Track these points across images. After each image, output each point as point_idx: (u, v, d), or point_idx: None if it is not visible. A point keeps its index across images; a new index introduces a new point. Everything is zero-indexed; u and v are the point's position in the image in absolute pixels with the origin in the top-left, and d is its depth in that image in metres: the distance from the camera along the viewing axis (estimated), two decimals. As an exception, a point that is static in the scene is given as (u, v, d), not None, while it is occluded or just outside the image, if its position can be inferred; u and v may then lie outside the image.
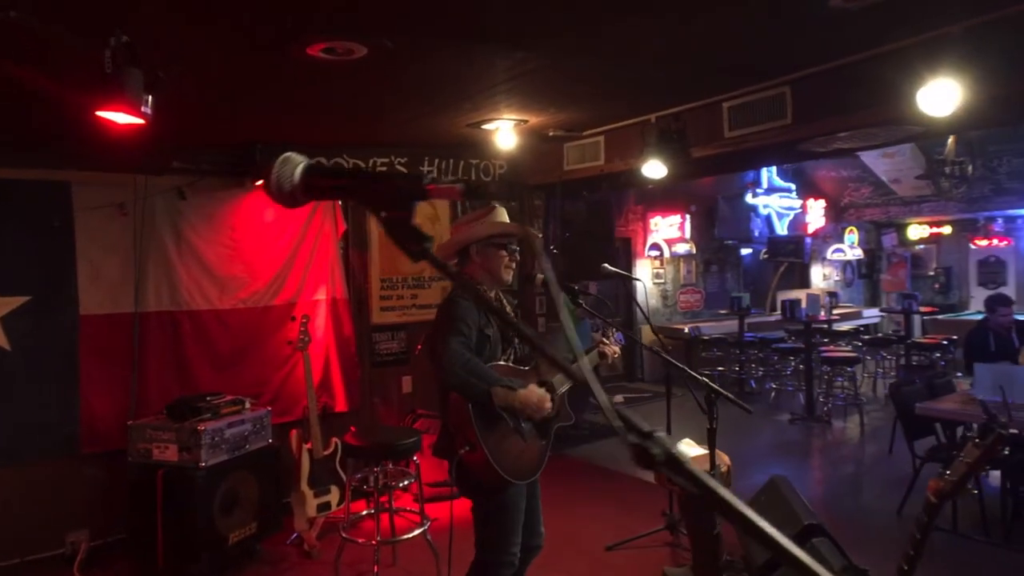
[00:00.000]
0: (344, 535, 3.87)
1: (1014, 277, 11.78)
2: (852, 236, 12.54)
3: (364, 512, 4.54)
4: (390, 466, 4.15)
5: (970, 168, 8.58)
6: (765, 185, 11.06)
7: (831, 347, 8.30)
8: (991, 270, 12.05)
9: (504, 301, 2.86)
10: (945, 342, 8.12)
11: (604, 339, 3.02)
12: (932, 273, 12.86)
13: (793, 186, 11.51)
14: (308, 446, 4.36)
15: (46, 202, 4.17)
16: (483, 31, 2.83)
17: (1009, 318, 5.51)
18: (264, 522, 4.15)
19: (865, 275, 13.23)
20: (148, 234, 4.48)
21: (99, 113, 2.32)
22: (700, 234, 10.43)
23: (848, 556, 3.07)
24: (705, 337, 9.30)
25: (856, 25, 3.02)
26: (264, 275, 4.91)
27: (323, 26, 2.59)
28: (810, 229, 11.69)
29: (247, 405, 4.22)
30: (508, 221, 2.83)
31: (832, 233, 12.35)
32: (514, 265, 2.81)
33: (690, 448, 3.66)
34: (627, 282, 8.34)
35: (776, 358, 8.84)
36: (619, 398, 8.33)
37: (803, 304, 7.82)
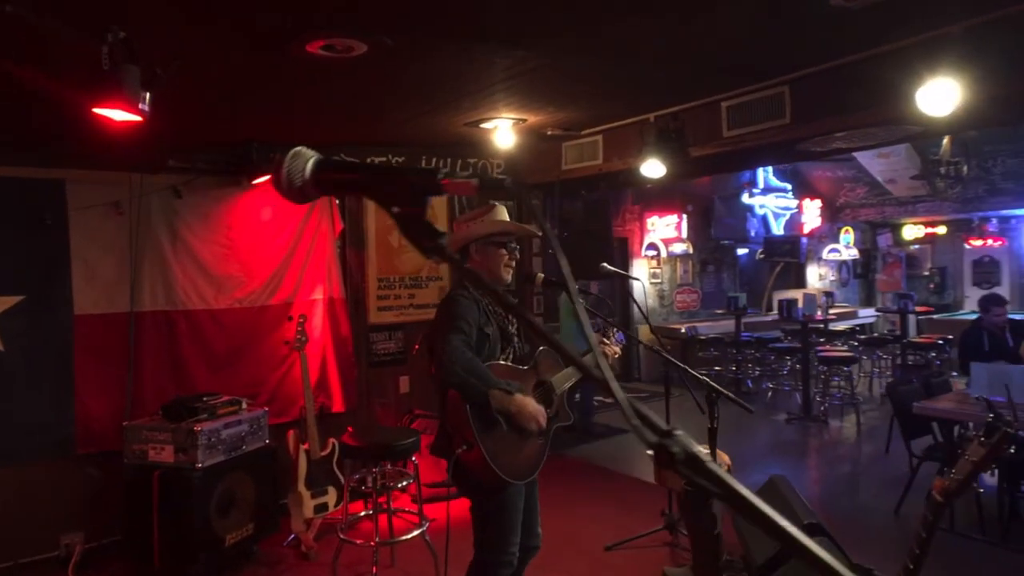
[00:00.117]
0: (342, 536, 3.84)
1: (1008, 277, 11.84)
2: (848, 236, 12.58)
3: (362, 513, 4.52)
4: (388, 467, 4.13)
5: (965, 168, 8.62)
6: (761, 185, 11.08)
7: (827, 347, 8.32)
8: (985, 270, 12.11)
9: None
10: (940, 341, 8.15)
11: (605, 339, 3.01)
12: (927, 273, 12.91)
13: (789, 186, 11.53)
14: (305, 447, 4.34)
15: (40, 200, 4.13)
16: (483, 29, 2.81)
17: (1003, 318, 5.52)
18: (261, 523, 4.13)
19: (860, 275, 13.27)
20: (144, 233, 4.45)
21: (96, 110, 2.29)
22: (697, 234, 10.44)
23: (848, 556, 3.07)
24: (702, 337, 9.32)
25: (856, 25, 3.01)
26: (260, 274, 4.88)
27: (323, 23, 2.57)
28: (806, 229, 11.72)
29: (244, 405, 4.19)
30: (508, 220, 2.82)
31: (828, 233, 12.39)
32: (514, 264, 2.80)
33: (690, 448, 3.65)
34: (624, 282, 8.34)
35: (773, 358, 8.86)
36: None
37: (800, 304, 7.83)
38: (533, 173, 5.89)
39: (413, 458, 3.97)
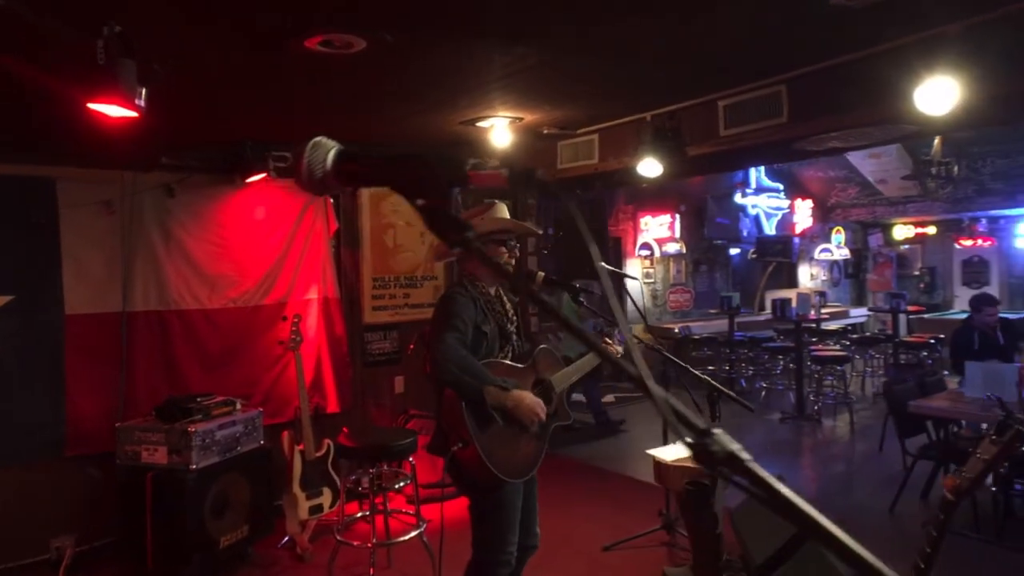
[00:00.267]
0: (339, 538, 3.81)
1: (997, 277, 11.94)
2: (839, 236, 12.65)
3: (359, 514, 4.48)
4: (384, 467, 4.09)
5: (956, 169, 8.67)
6: (754, 185, 11.12)
7: (820, 346, 8.35)
8: (975, 270, 12.21)
9: (505, 298, 2.83)
10: (932, 341, 8.20)
11: (607, 339, 3.00)
12: (917, 273, 13.01)
13: (781, 186, 11.58)
14: (300, 447, 4.30)
15: (30, 199, 4.07)
16: (483, 26, 2.79)
17: (995, 317, 5.56)
18: (256, 525, 4.08)
19: (851, 275, 13.35)
20: (135, 232, 4.39)
21: (91, 105, 2.25)
22: (690, 234, 10.46)
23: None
24: (695, 337, 9.33)
25: (854, 24, 3.02)
26: (254, 274, 4.84)
27: (323, 20, 2.54)
28: (798, 229, 11.77)
29: (238, 406, 4.14)
30: (508, 217, 2.80)
31: (819, 233, 12.46)
32: (513, 262, 2.78)
33: (690, 447, 3.64)
34: (620, 281, 8.34)
35: (766, 357, 8.88)
36: (610, 398, 8.32)
37: (794, 303, 7.86)
38: (528, 172, 5.87)
39: (410, 458, 3.94)
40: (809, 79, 3.79)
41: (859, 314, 12.19)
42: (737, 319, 9.02)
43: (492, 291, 2.76)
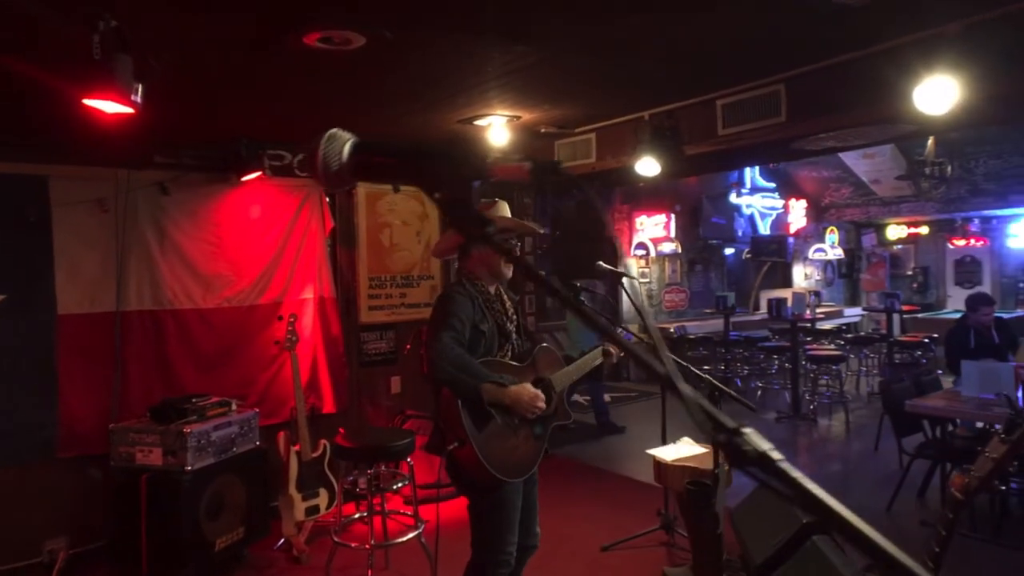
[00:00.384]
0: (336, 539, 3.78)
1: (989, 276, 12.02)
2: (833, 236, 12.70)
3: (356, 515, 4.45)
4: (382, 468, 4.07)
5: (949, 169, 8.72)
6: (749, 185, 11.15)
7: (815, 345, 8.37)
8: (967, 270, 12.29)
9: (505, 297, 2.81)
10: (926, 340, 8.24)
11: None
12: (910, 273, 13.07)
13: (775, 186, 11.61)
14: (296, 448, 4.26)
15: (22, 196, 4.01)
16: (484, 23, 2.77)
17: (991, 317, 5.59)
18: (251, 527, 4.05)
19: (845, 275, 13.41)
20: (129, 231, 4.34)
21: (87, 101, 2.21)
22: (685, 233, 10.47)
23: (847, 554, 3.06)
24: (691, 336, 9.33)
25: (854, 23, 3.01)
26: (250, 273, 4.80)
27: (323, 16, 2.51)
28: (792, 229, 11.81)
29: (234, 407, 4.10)
30: (509, 216, 2.78)
31: (813, 233, 12.50)
32: (514, 261, 2.76)
33: (691, 447, 3.64)
34: (615, 281, 8.34)
35: (762, 357, 8.90)
36: (606, 398, 8.30)
37: (789, 303, 7.87)
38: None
39: (408, 459, 3.91)
40: (808, 78, 3.78)
41: (853, 314, 12.24)
42: (732, 319, 9.03)
43: (492, 290, 2.75)
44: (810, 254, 12.48)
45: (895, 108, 3.40)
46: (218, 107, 3.94)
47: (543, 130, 4.95)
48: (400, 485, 4.20)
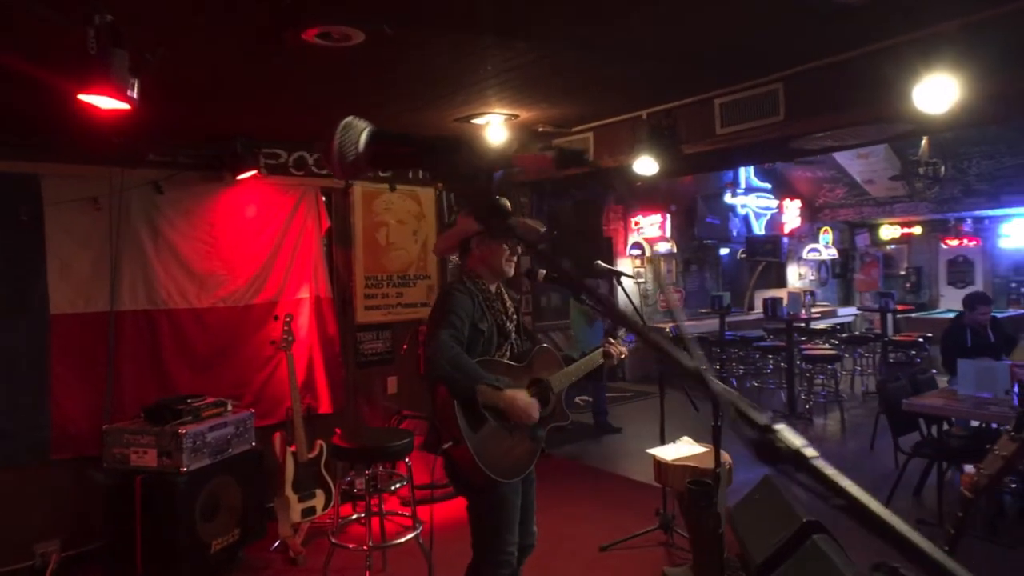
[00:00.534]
0: (333, 541, 3.74)
1: (981, 276, 12.09)
2: (827, 236, 12.74)
3: (354, 516, 4.42)
4: (380, 469, 4.04)
5: (943, 169, 8.75)
6: (744, 185, 11.17)
7: (810, 345, 8.38)
8: (960, 270, 12.35)
9: (505, 295, 2.79)
10: (920, 339, 8.27)
11: (611, 339, 2.97)
12: (903, 272, 13.13)
13: (770, 186, 11.64)
14: (292, 449, 4.23)
15: (13, 195, 3.96)
16: (484, 20, 2.75)
17: (988, 316, 5.61)
18: (247, 528, 4.01)
19: (839, 275, 13.45)
20: (123, 230, 4.29)
21: (82, 97, 2.17)
22: (680, 233, 10.48)
23: (847, 553, 3.06)
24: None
25: (854, 21, 3.01)
26: (245, 273, 4.75)
27: (322, 11, 2.48)
28: (786, 229, 11.84)
29: (229, 407, 4.07)
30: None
31: (807, 233, 12.53)
32: (515, 259, 2.74)
33: (691, 446, 3.63)
34: (611, 281, 8.34)
35: (757, 356, 8.91)
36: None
37: (785, 303, 7.88)
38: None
39: (406, 459, 3.88)
40: (807, 77, 3.77)
41: (847, 313, 12.29)
42: (727, 318, 9.05)
43: (492, 288, 2.73)
44: (804, 254, 12.52)
45: (894, 107, 3.40)
46: (214, 105, 3.91)
47: (540, 129, 4.93)
48: (398, 486, 4.17)
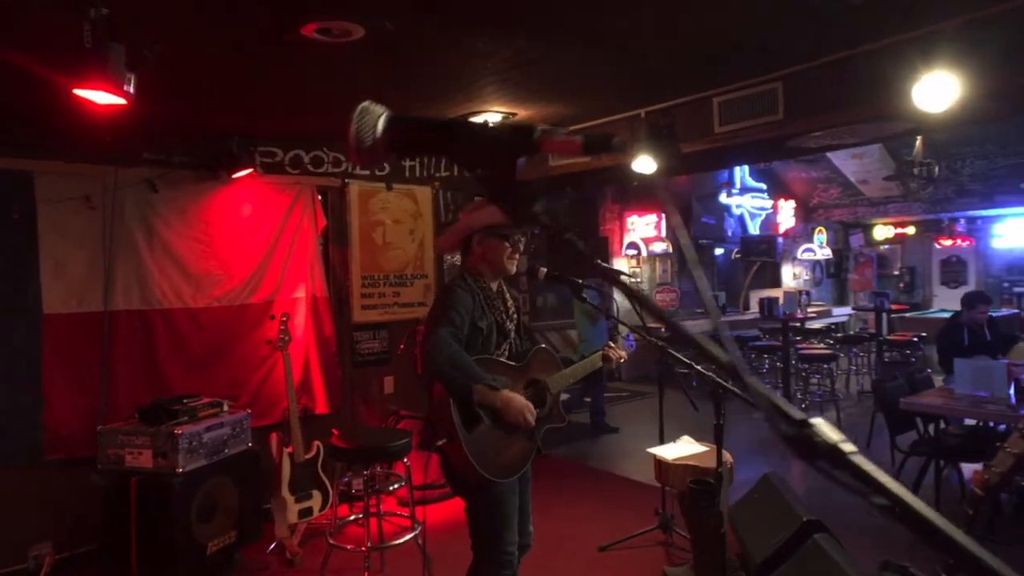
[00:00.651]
0: (331, 542, 3.71)
1: (974, 276, 12.15)
2: (821, 236, 12.78)
3: (351, 517, 4.38)
4: (378, 469, 4.01)
5: (937, 169, 8.79)
6: (738, 185, 11.18)
7: (806, 344, 8.40)
8: (953, 269, 12.42)
9: (507, 294, 2.76)
10: (915, 339, 8.30)
11: (610, 343, 2.96)
12: (897, 272, 13.20)
13: (765, 186, 11.66)
14: (289, 450, 4.19)
15: (6, 193, 3.91)
16: (485, 16, 2.73)
17: (985, 315, 5.63)
18: (244, 530, 3.97)
19: (833, 274, 13.50)
20: (117, 229, 4.25)
21: (78, 92, 2.14)
22: (676, 233, 10.48)
23: (847, 552, 3.05)
24: (682, 336, 9.32)
25: (853, 20, 3.00)
26: (240, 272, 4.71)
27: (322, 7, 2.45)
28: (781, 229, 11.87)
29: (225, 408, 4.03)
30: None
31: (802, 233, 12.57)
32: (517, 257, 2.72)
33: (691, 445, 3.61)
34: (608, 281, 8.33)
35: (753, 356, 8.91)
36: (599, 397, 8.27)
37: (781, 303, 7.90)
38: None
39: (404, 460, 3.85)
40: (805, 76, 3.77)
41: (841, 313, 12.32)
42: (723, 318, 9.05)
43: (494, 287, 2.70)
44: (799, 254, 12.55)
45: (894, 105, 3.40)
46: (209, 101, 3.87)
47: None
48: (396, 486, 4.14)
